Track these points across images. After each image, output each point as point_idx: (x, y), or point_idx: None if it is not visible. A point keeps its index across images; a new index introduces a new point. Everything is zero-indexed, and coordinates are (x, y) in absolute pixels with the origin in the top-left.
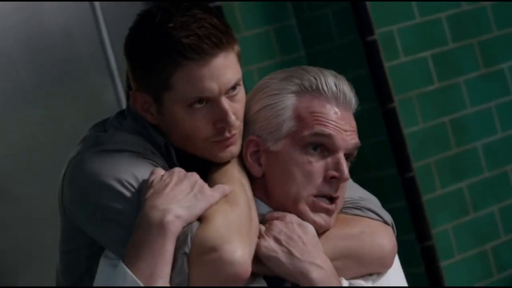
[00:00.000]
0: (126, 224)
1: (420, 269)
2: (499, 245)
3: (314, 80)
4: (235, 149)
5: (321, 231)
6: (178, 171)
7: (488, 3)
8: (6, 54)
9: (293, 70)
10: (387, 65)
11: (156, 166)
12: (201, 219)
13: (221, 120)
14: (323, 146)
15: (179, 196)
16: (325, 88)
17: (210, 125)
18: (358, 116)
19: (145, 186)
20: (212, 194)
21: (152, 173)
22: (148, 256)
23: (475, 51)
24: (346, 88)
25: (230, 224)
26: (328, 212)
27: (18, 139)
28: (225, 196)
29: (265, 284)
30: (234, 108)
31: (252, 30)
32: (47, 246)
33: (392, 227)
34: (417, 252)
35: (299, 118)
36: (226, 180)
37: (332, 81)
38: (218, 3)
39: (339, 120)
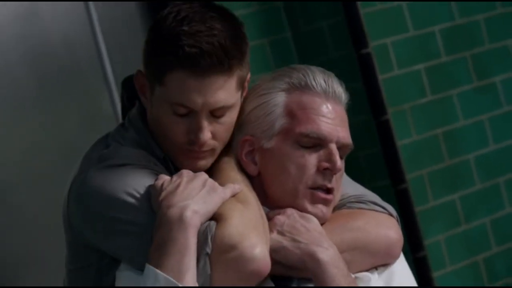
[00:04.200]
0: (139, 233)
1: None
2: (490, 256)
3: (302, 77)
4: (203, 163)
5: (320, 222)
6: (186, 172)
7: (481, 16)
8: (5, 62)
9: (282, 69)
10: (381, 77)
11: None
12: (218, 218)
13: (193, 133)
14: (315, 141)
15: (193, 193)
16: (313, 83)
17: (185, 133)
18: (352, 128)
19: (155, 190)
20: (223, 191)
21: (159, 178)
22: (174, 252)
23: (468, 64)
24: (335, 83)
25: (247, 222)
26: (326, 203)
27: (16, 146)
28: (234, 196)
29: (272, 285)
30: (215, 128)
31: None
32: (46, 252)
33: (397, 220)
34: (410, 263)
35: (291, 115)
36: (231, 183)
37: (321, 77)
38: None
39: (330, 114)
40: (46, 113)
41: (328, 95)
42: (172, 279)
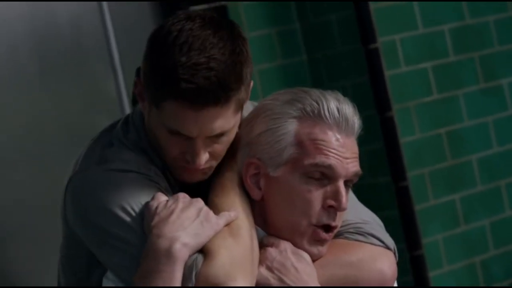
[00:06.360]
0: (130, 253)
1: (409, 278)
2: (488, 259)
3: (316, 105)
4: (200, 177)
5: (314, 259)
6: (183, 196)
7: (491, 18)
8: (12, 41)
9: (295, 92)
10: (387, 73)
11: (160, 189)
12: (205, 253)
13: (189, 155)
14: (323, 174)
15: (185, 223)
16: (327, 114)
17: (181, 153)
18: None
19: (149, 212)
20: (217, 222)
21: (155, 199)
22: (158, 284)
23: (475, 65)
24: (349, 113)
25: (234, 261)
26: (324, 243)
27: (19, 125)
28: (228, 225)
29: None
30: (214, 148)
31: (256, 31)
32: (44, 229)
33: (394, 253)
34: (407, 261)
35: (300, 145)
36: (227, 206)
37: (334, 106)
38: (223, 2)
39: (340, 147)
40: (50, 93)
41: (340, 127)
42: None
